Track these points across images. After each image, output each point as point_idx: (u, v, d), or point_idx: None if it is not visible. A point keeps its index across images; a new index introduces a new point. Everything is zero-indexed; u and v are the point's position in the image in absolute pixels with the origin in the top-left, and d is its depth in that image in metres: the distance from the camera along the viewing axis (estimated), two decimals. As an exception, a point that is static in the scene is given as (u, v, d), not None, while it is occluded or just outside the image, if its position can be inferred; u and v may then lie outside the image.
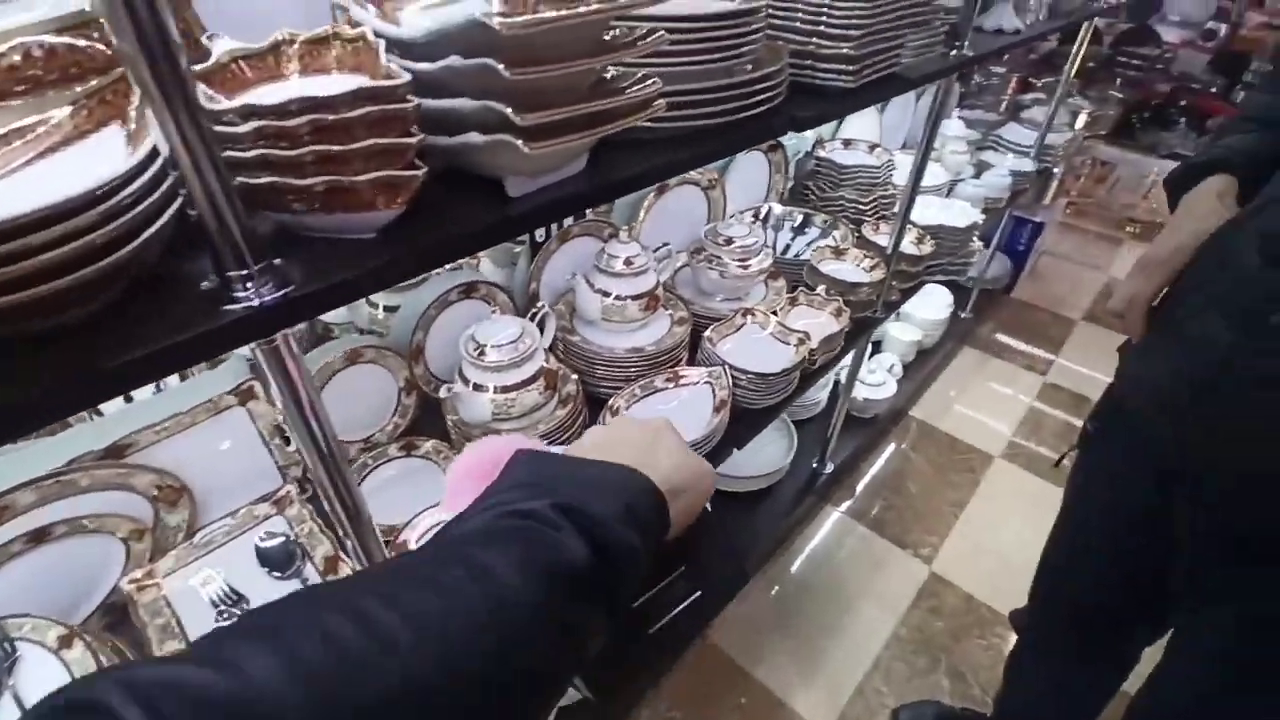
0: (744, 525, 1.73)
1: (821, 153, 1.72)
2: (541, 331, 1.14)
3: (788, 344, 1.23)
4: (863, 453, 2.07)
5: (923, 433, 2.22)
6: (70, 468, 0.81)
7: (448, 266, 1.36)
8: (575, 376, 1.14)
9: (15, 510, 0.77)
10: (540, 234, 1.25)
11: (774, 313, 1.29)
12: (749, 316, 1.27)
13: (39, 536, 0.79)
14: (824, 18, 0.80)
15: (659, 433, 0.47)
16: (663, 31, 0.55)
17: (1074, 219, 3.57)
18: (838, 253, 1.46)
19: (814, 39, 0.82)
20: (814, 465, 1.87)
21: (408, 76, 0.43)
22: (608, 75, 0.57)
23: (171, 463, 0.91)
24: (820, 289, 1.35)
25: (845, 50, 0.80)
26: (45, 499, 0.79)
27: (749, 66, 0.74)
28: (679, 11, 0.67)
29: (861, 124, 2.01)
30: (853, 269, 1.45)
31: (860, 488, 2.01)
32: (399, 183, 0.44)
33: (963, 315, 2.59)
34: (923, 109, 2.27)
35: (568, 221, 1.28)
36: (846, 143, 1.80)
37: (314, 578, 0.90)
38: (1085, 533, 1.03)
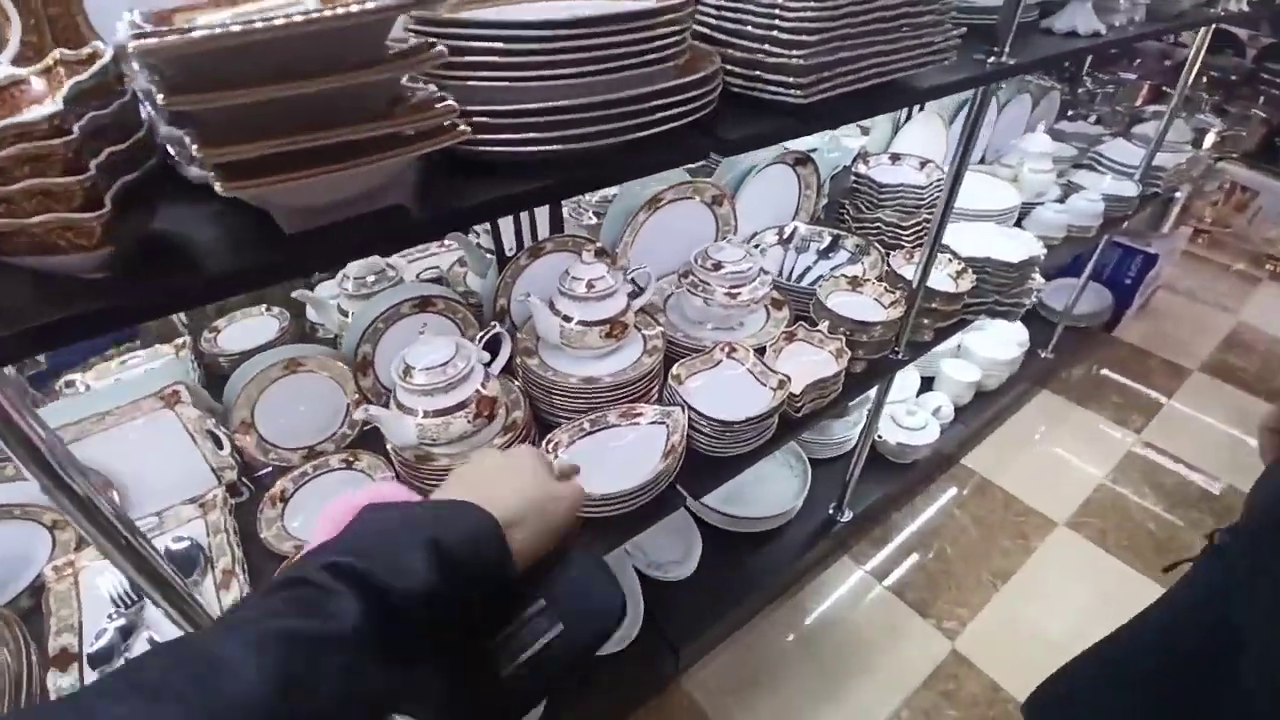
0: (739, 567, 1.58)
1: (862, 168, 1.54)
2: (494, 354, 1.08)
3: (766, 386, 1.09)
4: (893, 502, 1.85)
5: (975, 486, 1.96)
6: (-7, 458, 0.84)
7: (410, 274, 1.33)
8: (524, 403, 1.06)
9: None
10: (510, 246, 1.18)
11: (759, 350, 1.15)
12: (728, 352, 1.14)
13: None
14: (776, 21, 0.67)
15: (513, 460, 0.50)
16: (442, 48, 0.45)
17: (1204, 249, 3.06)
18: (855, 284, 1.29)
19: (765, 44, 0.68)
20: (830, 511, 1.69)
21: (53, 109, 0.36)
22: (411, 96, 0.49)
23: (100, 458, 0.92)
24: (823, 325, 1.19)
25: (794, 59, 0.66)
26: (-31, 485, 0.82)
27: (654, 80, 0.62)
28: (558, 15, 0.57)
29: (923, 134, 1.79)
30: (870, 304, 1.27)
31: (888, 542, 1.80)
32: (75, 225, 0.38)
33: (1043, 354, 2.28)
34: (1010, 119, 2.00)
35: (542, 232, 1.21)
36: (895, 157, 1.60)
37: (209, 590, 0.88)
38: (1143, 661, 0.83)
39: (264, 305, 1.33)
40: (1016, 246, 1.41)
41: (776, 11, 0.67)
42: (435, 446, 0.97)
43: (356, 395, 1.10)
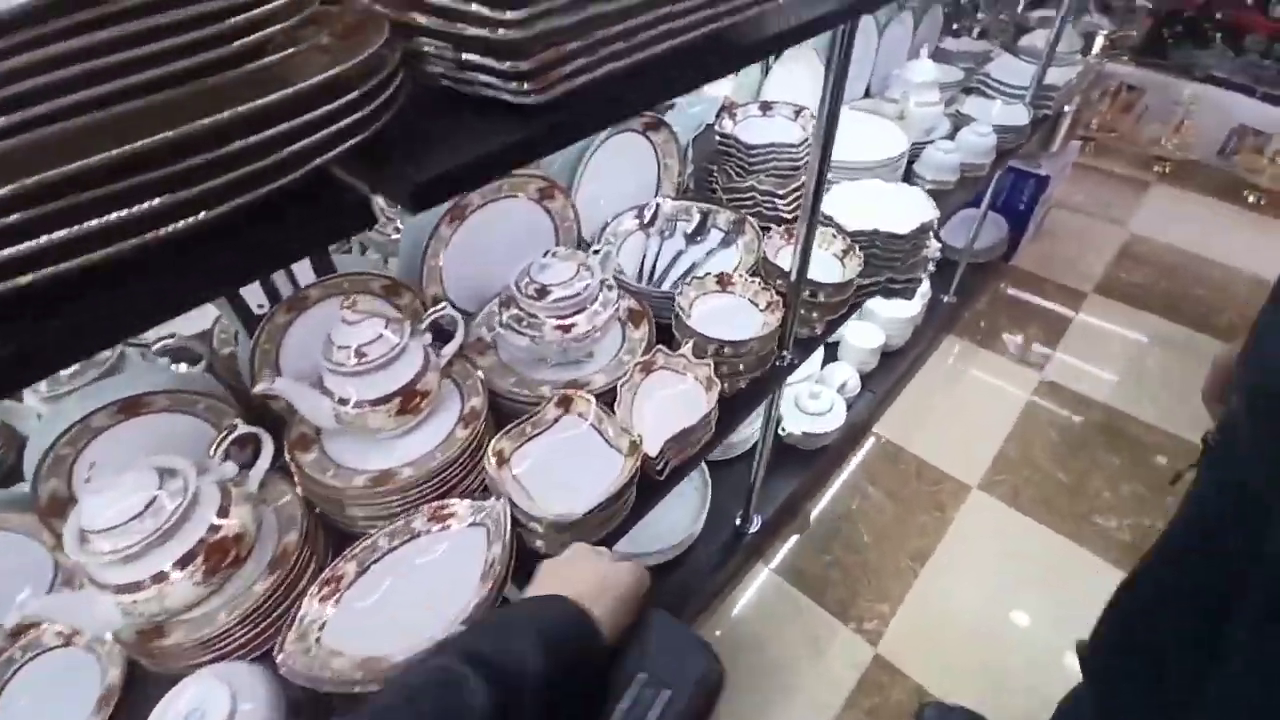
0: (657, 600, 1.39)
1: (726, 125, 1.27)
2: (249, 463, 0.78)
3: (616, 449, 0.85)
4: (805, 493, 1.70)
5: (886, 457, 1.83)
6: None
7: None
8: (303, 521, 0.78)
9: None
10: (261, 301, 0.85)
11: (608, 394, 0.90)
12: (564, 407, 0.88)
13: None
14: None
15: (575, 553, 0.62)
16: None
17: (1093, 159, 3.01)
18: (724, 284, 1.05)
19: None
20: (736, 522, 1.51)
21: None
22: None
23: None
24: (686, 347, 0.95)
25: (502, 32, 0.38)
26: None
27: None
28: None
29: (795, 74, 1.54)
30: (743, 306, 1.04)
31: (802, 539, 1.65)
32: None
33: (945, 298, 2.15)
34: (891, 42, 1.77)
35: (305, 277, 0.89)
36: (766, 107, 1.35)
37: None
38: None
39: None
40: (907, 208, 1.20)
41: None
42: (164, 619, 0.69)
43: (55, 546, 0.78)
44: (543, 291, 0.89)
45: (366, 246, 1.12)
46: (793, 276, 1.01)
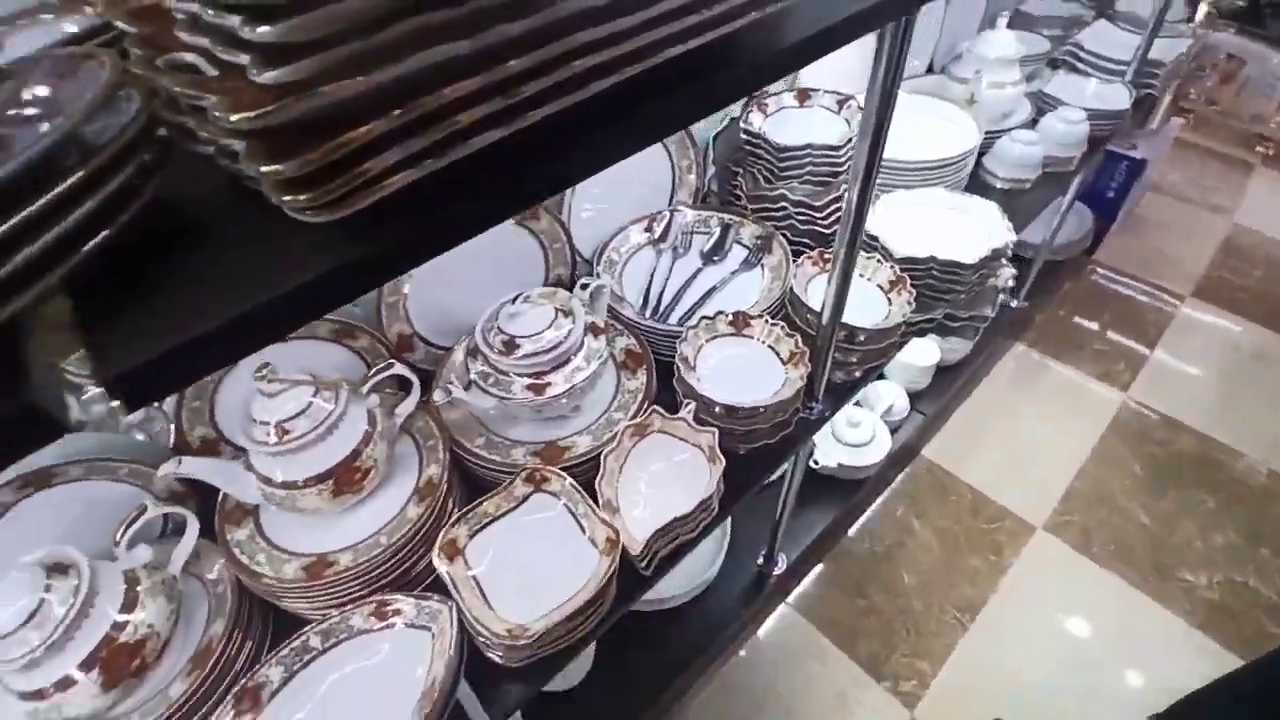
0: (643, 654, 1.26)
1: (754, 120, 1.08)
2: (159, 540, 0.68)
3: (591, 543, 0.71)
4: (840, 526, 1.53)
5: (936, 486, 1.63)
6: None
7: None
8: (232, 606, 0.68)
9: None
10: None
11: (591, 465, 0.76)
12: (535, 483, 0.75)
13: None
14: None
15: None
16: None
17: (1192, 134, 2.62)
18: (739, 325, 0.88)
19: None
20: (759, 562, 1.36)
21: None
22: None
23: None
24: (686, 410, 0.79)
25: (259, 113, 0.23)
26: None
27: None
28: None
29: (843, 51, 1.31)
30: (762, 354, 0.87)
31: (834, 581, 1.49)
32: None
33: (1015, 303, 1.90)
34: (962, 5, 1.51)
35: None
36: (804, 96, 1.14)
37: None
38: None
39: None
40: (974, 227, 0.99)
41: None
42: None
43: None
44: (511, 345, 0.75)
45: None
46: (824, 318, 0.83)
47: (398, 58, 0.25)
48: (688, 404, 0.79)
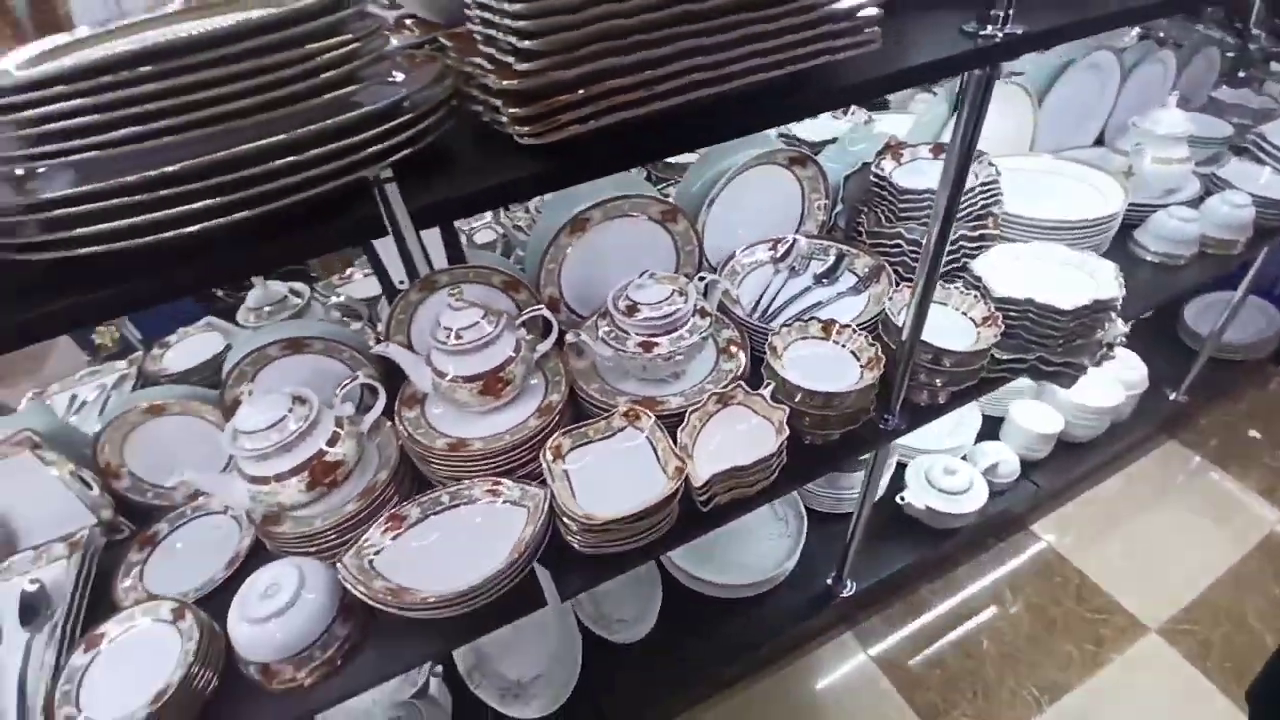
0: (706, 636, 1.37)
1: (885, 166, 1.20)
2: (360, 406, 0.95)
3: (662, 469, 0.87)
4: (921, 573, 1.53)
5: (1042, 563, 1.56)
6: None
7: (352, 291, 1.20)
8: (396, 463, 0.93)
9: None
10: (400, 277, 1.02)
11: (677, 417, 0.92)
12: (631, 419, 0.92)
13: None
14: (495, 19, 0.44)
15: None
16: None
17: None
18: (829, 331, 1.00)
19: (489, 49, 0.46)
20: (828, 581, 1.42)
21: None
22: None
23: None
24: (766, 389, 0.93)
25: (514, 84, 0.43)
26: None
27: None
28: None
29: (1000, 113, 1.39)
30: (844, 358, 0.98)
31: (906, 622, 1.49)
32: None
33: (1173, 395, 1.77)
34: (1145, 80, 1.51)
35: (437, 259, 1.04)
36: (939, 149, 1.24)
37: (43, 645, 0.84)
38: None
39: (204, 323, 1.30)
40: (1083, 283, 1.02)
41: (491, 6, 0.44)
42: (281, 511, 0.87)
43: (236, 435, 1.02)
44: (633, 309, 0.94)
45: (513, 245, 1.26)
46: (904, 334, 0.93)
47: (589, 60, 0.45)
48: (769, 384, 0.93)
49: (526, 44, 0.42)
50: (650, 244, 1.12)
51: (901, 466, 1.52)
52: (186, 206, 0.42)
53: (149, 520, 1.02)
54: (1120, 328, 1.03)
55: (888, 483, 1.52)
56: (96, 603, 0.92)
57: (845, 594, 1.40)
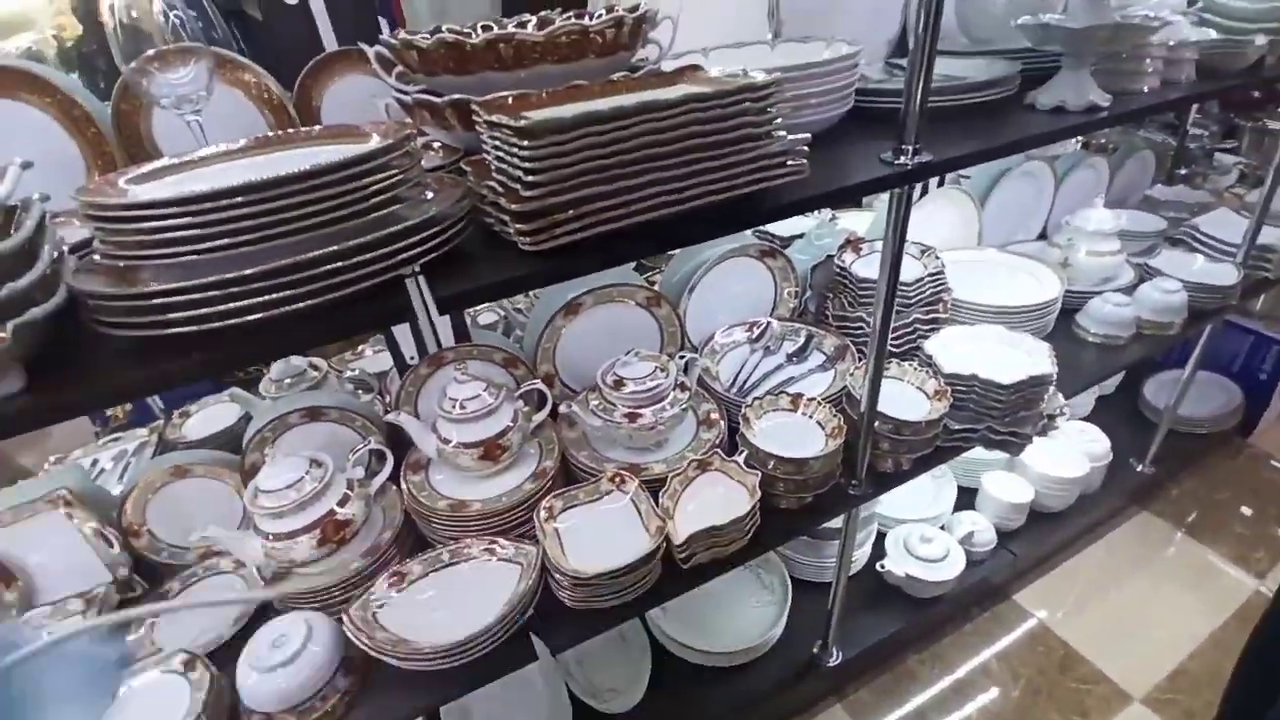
0: (696, 704, 1.38)
1: (847, 257, 1.35)
2: (369, 471, 1.04)
3: (645, 529, 0.95)
4: (907, 643, 1.55)
5: (1026, 634, 1.60)
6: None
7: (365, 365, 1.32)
8: (400, 524, 1.00)
9: None
10: (412, 354, 1.14)
11: (658, 481, 1.01)
12: (617, 482, 1.01)
13: None
14: (503, 156, 0.58)
15: None
16: None
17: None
18: (795, 404, 1.11)
19: (500, 177, 0.60)
20: (815, 649, 1.45)
21: None
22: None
23: (6, 550, 0.99)
24: (741, 455, 1.03)
25: (520, 206, 0.56)
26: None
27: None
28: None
29: (946, 214, 1.56)
30: (810, 428, 1.08)
31: (894, 694, 1.50)
32: None
33: (1140, 467, 1.85)
34: (1080, 183, 1.70)
35: (446, 338, 1.16)
36: (896, 244, 1.39)
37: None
38: None
39: (228, 394, 1.40)
40: (1021, 360, 1.14)
41: (505, 146, 0.58)
42: (291, 568, 0.94)
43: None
44: (619, 383, 1.05)
45: (513, 326, 1.39)
46: (862, 405, 1.04)
47: (578, 189, 0.58)
48: (743, 451, 1.03)
49: (531, 177, 0.55)
50: (636, 326, 1.24)
51: (882, 535, 1.58)
52: (261, 299, 0.54)
53: (161, 578, 1.09)
54: (1059, 400, 1.14)
55: (869, 552, 1.58)
56: (110, 659, 0.97)
57: (832, 662, 1.42)
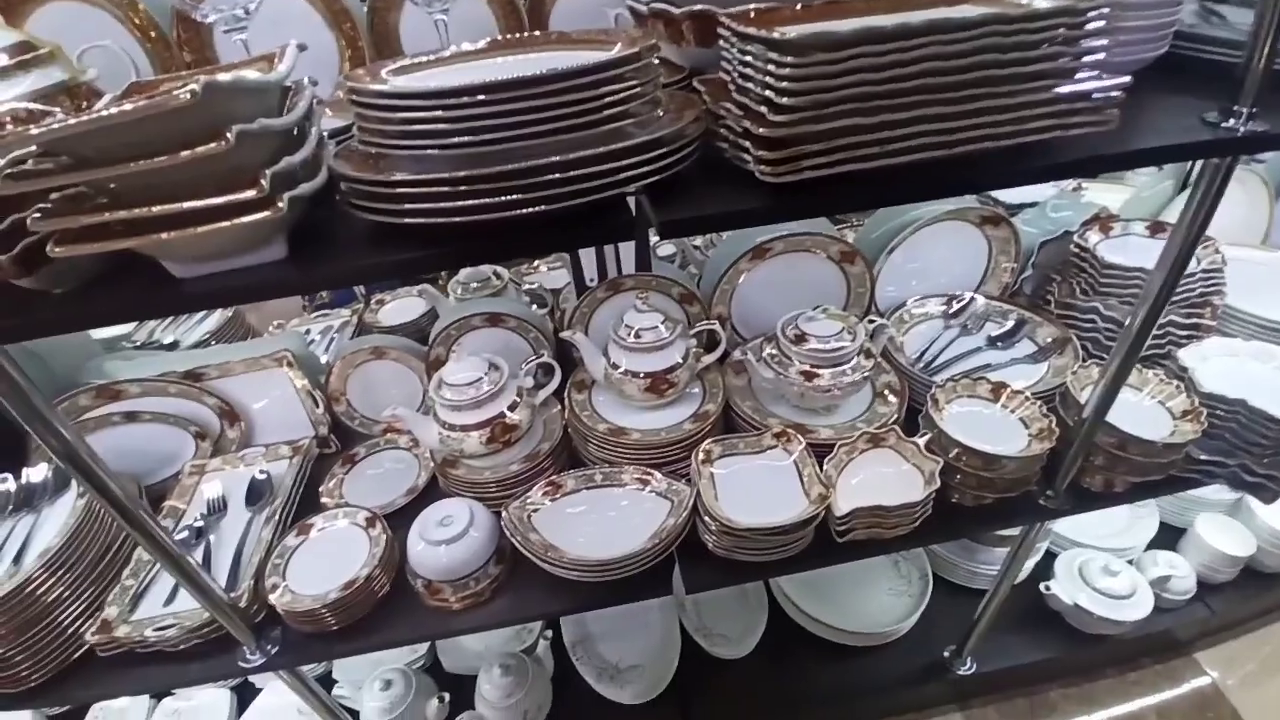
0: (803, 674, 1.36)
1: (1091, 237, 1.14)
2: (536, 382, 1.07)
3: (805, 493, 0.90)
4: (1054, 675, 1.40)
5: (1197, 696, 1.38)
6: (162, 377, 1.11)
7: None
8: (559, 438, 1.04)
9: (126, 395, 1.09)
10: (592, 277, 1.14)
11: (826, 447, 0.94)
12: (782, 441, 0.96)
13: (131, 416, 1.10)
14: (755, 75, 0.52)
15: None
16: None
17: None
18: (998, 393, 0.98)
19: (745, 99, 0.54)
20: (945, 654, 1.35)
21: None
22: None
23: (234, 394, 1.16)
24: (922, 438, 0.93)
25: (760, 128, 0.50)
26: (146, 393, 1.10)
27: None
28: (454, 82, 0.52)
29: (1232, 200, 1.26)
30: (1010, 424, 0.95)
31: (1028, 720, 1.38)
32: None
33: None
34: None
35: (628, 264, 1.14)
36: (1157, 228, 1.16)
37: (262, 524, 1.04)
38: None
39: (417, 290, 1.52)
40: (1313, 392, 0.91)
41: (757, 64, 0.51)
42: (459, 457, 1.01)
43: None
44: (801, 338, 0.98)
45: (689, 262, 1.35)
46: (1085, 412, 0.89)
47: (837, 118, 0.51)
48: (925, 433, 0.93)
49: (786, 100, 0.49)
50: (822, 280, 1.15)
51: (1051, 556, 1.41)
52: (487, 200, 0.53)
53: (350, 443, 1.22)
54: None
55: (1031, 569, 1.42)
56: (303, 501, 1.11)
57: (963, 671, 1.32)
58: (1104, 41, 0.53)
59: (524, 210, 0.53)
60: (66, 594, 0.87)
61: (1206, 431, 0.91)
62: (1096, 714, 1.38)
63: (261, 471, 1.11)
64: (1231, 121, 0.61)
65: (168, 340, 1.38)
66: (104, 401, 1.08)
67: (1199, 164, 0.69)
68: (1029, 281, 1.27)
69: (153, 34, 0.79)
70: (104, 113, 0.41)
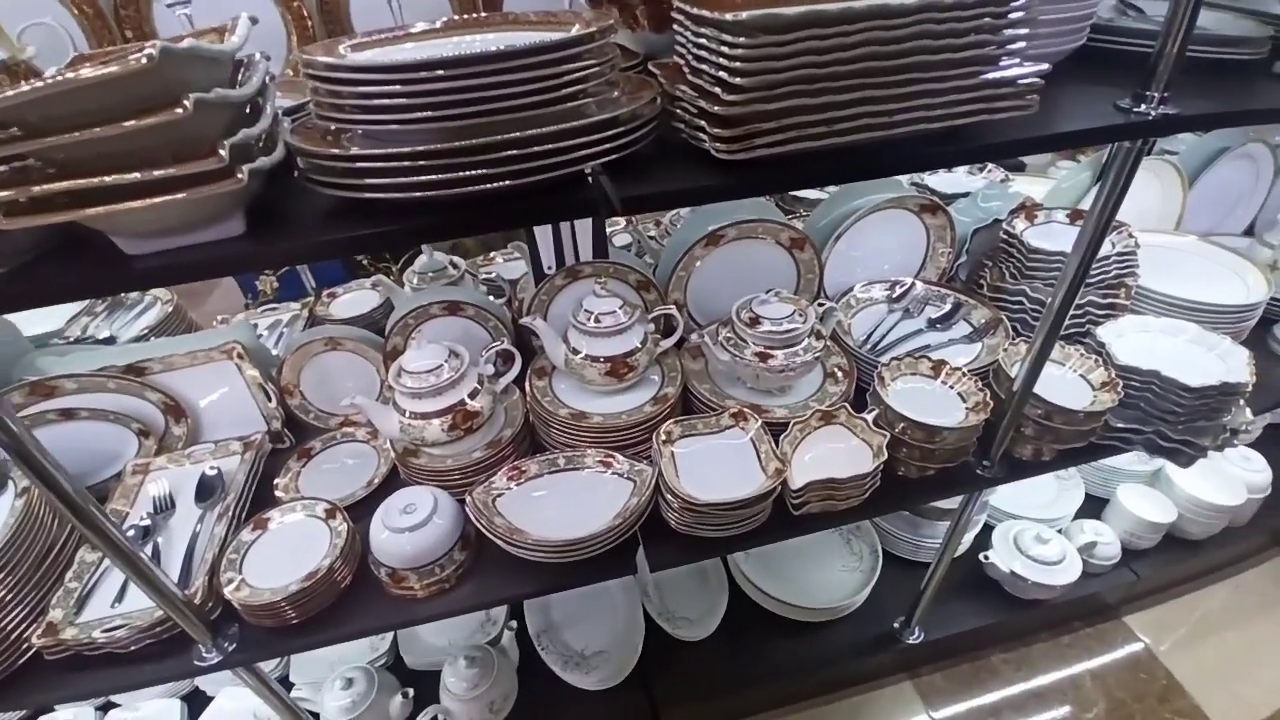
0: (764, 650, 1.40)
1: (1017, 225, 1.22)
2: (496, 370, 1.07)
3: (762, 469, 0.93)
4: (996, 640, 1.49)
5: (1130, 657, 1.49)
6: (100, 372, 1.06)
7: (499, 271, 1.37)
8: (521, 424, 1.05)
9: (61, 391, 1.04)
10: (550, 264, 1.16)
11: (780, 426, 0.98)
12: (738, 420, 0.99)
13: (67, 414, 1.05)
14: (708, 56, 0.54)
15: None
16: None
17: None
18: (938, 371, 1.04)
19: (700, 79, 0.56)
20: (896, 624, 1.41)
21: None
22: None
23: (179, 388, 1.12)
24: (870, 413, 0.98)
25: (717, 109, 0.53)
26: (83, 389, 1.06)
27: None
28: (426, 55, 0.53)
29: (1140, 188, 1.37)
30: (950, 399, 1.01)
31: (973, 686, 1.45)
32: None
33: (1306, 508, 1.63)
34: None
35: (585, 252, 1.16)
36: (1076, 215, 1.25)
37: (214, 520, 1.01)
38: None
39: (371, 282, 1.49)
40: (1212, 365, 1.01)
41: (710, 45, 0.54)
42: (420, 446, 1.01)
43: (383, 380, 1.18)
44: (755, 321, 1.02)
45: (644, 251, 1.37)
46: (1015, 385, 0.96)
47: (785, 99, 0.54)
48: (873, 409, 0.98)
49: (738, 80, 0.51)
50: (773, 267, 1.19)
51: (988, 528, 1.50)
52: (448, 175, 0.54)
53: (305, 437, 1.19)
54: (1246, 415, 1.00)
55: (971, 541, 1.51)
56: (257, 498, 1.08)
57: (911, 640, 1.39)
58: (1025, 31, 0.58)
59: (486, 185, 0.54)
60: (8, 597, 0.83)
61: (1123, 401, 0.99)
62: (1036, 678, 1.46)
63: (211, 468, 1.08)
64: (1144, 106, 0.68)
65: (103, 335, 1.32)
66: (37, 399, 1.03)
67: (1112, 150, 0.75)
68: (964, 267, 1.34)
69: (90, 10, 0.76)
70: (60, 78, 0.40)
